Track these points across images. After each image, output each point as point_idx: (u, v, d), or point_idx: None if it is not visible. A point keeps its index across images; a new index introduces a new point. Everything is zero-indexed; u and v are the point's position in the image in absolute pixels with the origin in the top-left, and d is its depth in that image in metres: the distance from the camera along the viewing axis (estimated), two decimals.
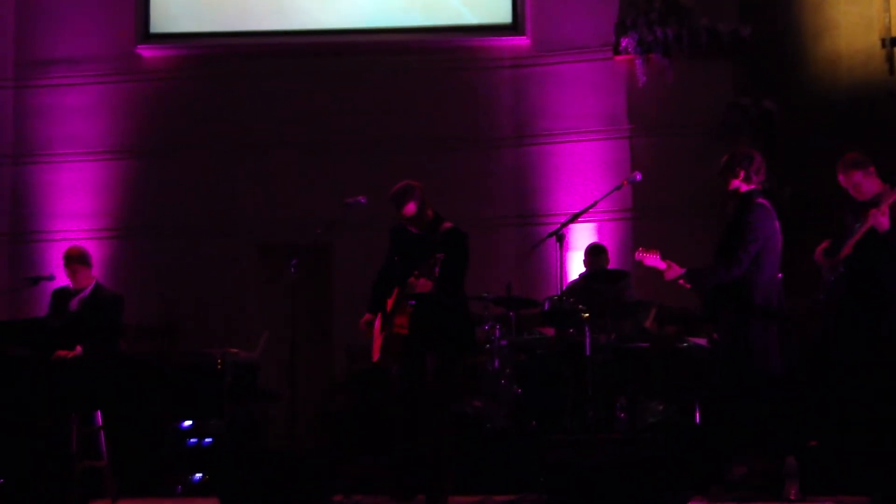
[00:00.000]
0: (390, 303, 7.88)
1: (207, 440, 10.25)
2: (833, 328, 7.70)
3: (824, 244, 8.00)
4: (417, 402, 7.82)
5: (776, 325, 7.25)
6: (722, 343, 7.43)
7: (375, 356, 7.94)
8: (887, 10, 11.76)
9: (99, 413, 8.61)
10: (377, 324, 7.97)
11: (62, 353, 8.35)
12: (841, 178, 7.97)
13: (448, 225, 7.92)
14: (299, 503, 7.27)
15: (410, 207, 7.81)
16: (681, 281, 7.45)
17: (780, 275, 7.48)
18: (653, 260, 7.57)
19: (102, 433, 8.62)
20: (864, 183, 7.89)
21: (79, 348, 8.40)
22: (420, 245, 7.85)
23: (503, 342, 9.71)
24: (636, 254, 7.67)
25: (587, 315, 9.45)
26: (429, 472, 7.70)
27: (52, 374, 8.28)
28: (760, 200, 7.44)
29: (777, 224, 7.45)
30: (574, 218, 8.03)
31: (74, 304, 8.75)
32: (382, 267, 8.12)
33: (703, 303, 7.66)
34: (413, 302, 7.62)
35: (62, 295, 8.84)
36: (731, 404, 7.28)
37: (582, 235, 11.82)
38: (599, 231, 12.14)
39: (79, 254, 8.93)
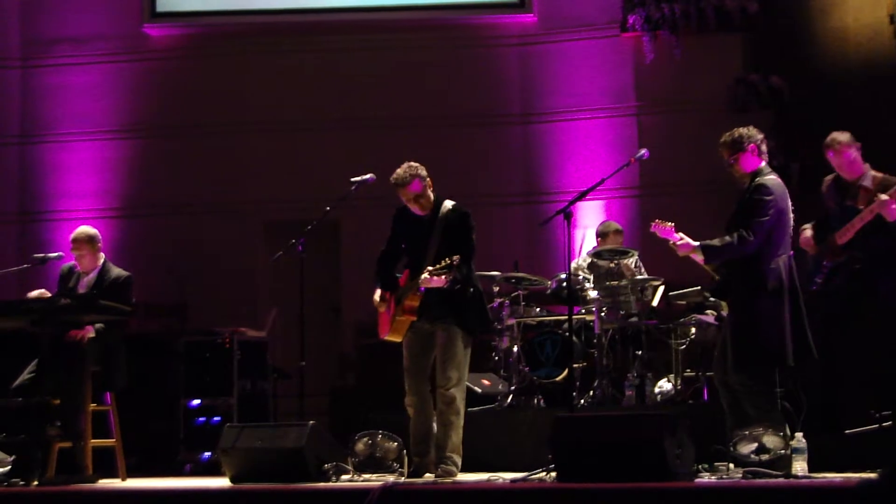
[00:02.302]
0: (402, 280, 7.87)
1: (216, 419, 10.29)
2: (835, 318, 7.59)
3: (806, 229, 7.93)
4: (426, 380, 7.82)
5: (789, 304, 7.20)
6: (733, 320, 7.39)
7: (382, 333, 7.94)
8: None
9: (109, 392, 8.63)
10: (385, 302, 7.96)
11: (74, 332, 8.32)
12: (831, 155, 7.88)
13: (449, 204, 7.90)
14: (306, 480, 7.28)
15: (415, 186, 7.77)
16: (693, 255, 7.41)
17: (792, 252, 7.44)
18: (667, 232, 7.53)
19: (112, 412, 8.64)
20: (858, 160, 7.85)
21: (89, 328, 8.37)
22: (425, 227, 7.83)
23: (511, 320, 9.72)
24: (652, 226, 7.62)
25: (594, 293, 9.49)
26: (437, 450, 7.72)
27: (63, 353, 8.27)
28: (773, 176, 7.39)
29: (789, 201, 7.40)
30: (582, 195, 7.99)
31: (82, 286, 8.67)
32: (383, 252, 8.04)
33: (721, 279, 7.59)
34: (423, 289, 7.62)
35: (70, 274, 8.77)
36: (741, 381, 7.25)
37: (590, 213, 11.82)
38: (607, 208, 12.14)
39: (86, 236, 8.73)
